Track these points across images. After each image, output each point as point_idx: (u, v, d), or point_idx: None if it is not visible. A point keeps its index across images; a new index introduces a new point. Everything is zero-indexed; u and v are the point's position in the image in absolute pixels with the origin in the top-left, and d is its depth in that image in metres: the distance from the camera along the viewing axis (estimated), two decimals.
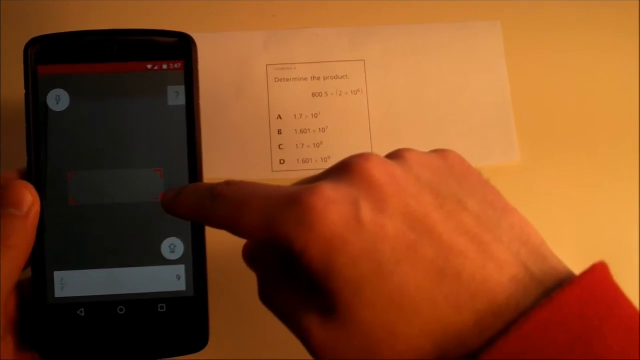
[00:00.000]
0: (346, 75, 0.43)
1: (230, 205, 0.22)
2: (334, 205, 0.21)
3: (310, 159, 0.42)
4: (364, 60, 0.43)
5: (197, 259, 0.30)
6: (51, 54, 0.30)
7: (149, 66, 0.30)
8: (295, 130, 0.42)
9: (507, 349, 0.19)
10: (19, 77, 0.42)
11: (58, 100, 0.30)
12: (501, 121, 0.42)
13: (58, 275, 0.29)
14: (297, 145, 0.42)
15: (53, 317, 0.29)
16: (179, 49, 0.30)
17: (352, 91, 0.43)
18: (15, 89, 0.41)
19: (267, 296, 0.24)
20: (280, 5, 0.44)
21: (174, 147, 0.30)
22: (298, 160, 0.42)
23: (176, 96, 0.30)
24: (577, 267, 0.22)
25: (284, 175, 0.41)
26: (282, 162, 0.42)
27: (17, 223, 0.27)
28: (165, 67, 0.30)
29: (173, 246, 0.30)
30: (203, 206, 0.24)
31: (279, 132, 0.42)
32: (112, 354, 0.29)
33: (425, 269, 0.20)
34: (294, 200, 0.21)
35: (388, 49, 0.43)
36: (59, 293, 0.29)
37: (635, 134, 0.42)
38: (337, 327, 0.21)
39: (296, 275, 0.23)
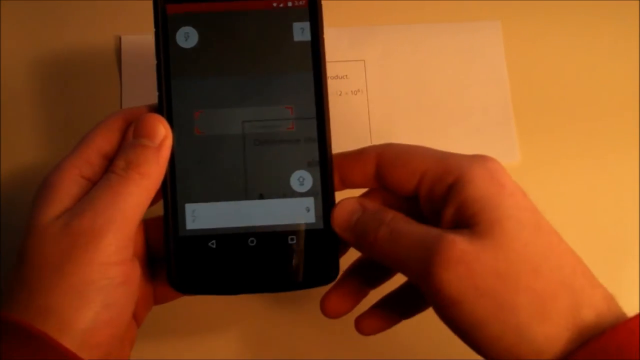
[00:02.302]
0: (346, 75, 0.43)
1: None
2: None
3: None
4: (364, 60, 0.43)
5: (325, 192, 0.30)
6: None
7: (274, 4, 0.31)
8: None
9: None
10: (19, 77, 0.42)
11: (186, 37, 0.30)
12: (501, 121, 0.42)
13: (189, 207, 0.30)
14: None
15: (184, 249, 0.29)
16: None
17: (352, 91, 0.43)
18: (15, 88, 0.42)
19: (398, 234, 0.27)
20: None
21: (301, 83, 0.30)
22: None
23: (301, 32, 0.30)
24: None
25: None
26: None
27: (149, 153, 0.28)
28: (290, 4, 0.31)
29: (302, 179, 0.30)
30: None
31: None
32: (242, 286, 0.30)
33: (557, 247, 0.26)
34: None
35: (388, 49, 0.43)
36: (190, 225, 0.30)
37: (635, 134, 0.42)
38: (486, 244, 0.25)
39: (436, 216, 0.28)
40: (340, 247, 0.30)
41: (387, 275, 0.32)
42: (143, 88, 0.42)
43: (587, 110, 0.43)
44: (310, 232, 0.30)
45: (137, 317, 0.30)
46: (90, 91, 0.42)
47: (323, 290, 0.31)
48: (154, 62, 0.30)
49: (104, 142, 0.29)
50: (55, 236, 0.26)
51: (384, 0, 0.44)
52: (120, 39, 0.42)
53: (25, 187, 0.40)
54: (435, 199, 0.28)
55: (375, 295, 0.32)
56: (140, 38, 0.43)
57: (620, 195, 0.41)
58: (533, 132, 0.42)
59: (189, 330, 0.38)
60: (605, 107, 0.43)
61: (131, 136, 0.28)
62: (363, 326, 0.32)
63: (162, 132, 0.29)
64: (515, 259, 0.25)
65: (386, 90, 0.43)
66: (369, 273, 0.32)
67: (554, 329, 0.24)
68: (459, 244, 0.25)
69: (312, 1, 0.31)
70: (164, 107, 0.30)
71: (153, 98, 0.42)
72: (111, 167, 0.28)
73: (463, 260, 0.25)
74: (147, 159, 0.28)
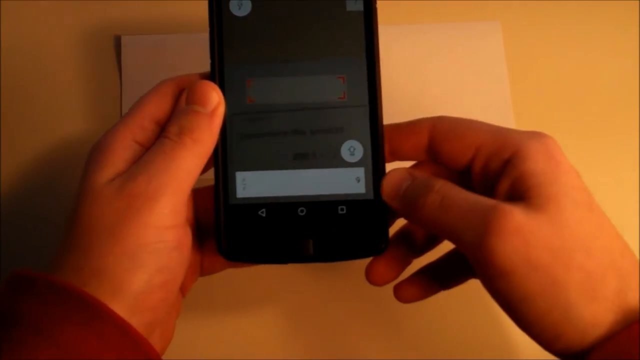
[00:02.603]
0: None
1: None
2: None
3: None
4: None
5: (376, 162, 0.30)
6: None
7: None
8: None
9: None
10: (18, 77, 0.42)
11: (240, 5, 0.30)
12: (501, 121, 0.42)
13: (240, 175, 0.30)
14: None
15: (234, 217, 0.29)
16: None
17: None
18: (14, 87, 0.42)
19: (449, 201, 0.27)
20: None
21: (354, 52, 0.30)
22: None
23: (354, 2, 0.30)
24: None
25: None
26: None
27: (202, 120, 0.28)
28: None
29: (352, 148, 0.30)
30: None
31: None
32: (291, 255, 0.30)
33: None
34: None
35: (388, 49, 0.43)
36: (240, 193, 0.30)
37: (635, 134, 0.42)
38: (541, 218, 0.25)
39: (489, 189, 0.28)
40: (390, 217, 0.30)
41: (431, 243, 0.32)
42: (143, 88, 0.42)
43: (587, 110, 0.43)
44: (360, 203, 0.30)
45: (183, 287, 0.31)
46: (90, 91, 0.42)
47: (366, 261, 0.31)
48: (207, 29, 0.30)
49: (156, 108, 0.29)
50: (110, 199, 0.26)
51: (384, 0, 0.44)
52: (120, 39, 0.42)
53: (25, 188, 0.40)
54: (490, 173, 0.28)
55: (416, 263, 0.32)
56: (140, 38, 0.43)
57: (620, 195, 0.41)
58: None
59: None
60: (605, 106, 0.43)
61: (184, 103, 0.29)
62: (402, 293, 0.32)
63: (215, 99, 0.29)
64: (568, 236, 0.25)
65: (386, 90, 0.43)
66: (413, 241, 0.32)
67: (600, 310, 0.24)
68: (515, 215, 0.25)
69: None
70: (217, 75, 0.30)
71: None
72: (164, 132, 0.28)
73: (519, 231, 0.24)
74: (200, 125, 0.28)
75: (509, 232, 0.24)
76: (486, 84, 0.43)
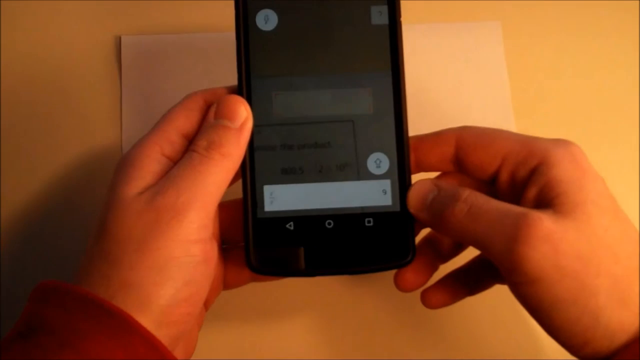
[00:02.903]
0: None
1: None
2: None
3: None
4: None
5: (402, 174, 0.30)
6: None
7: None
8: None
9: None
10: (18, 77, 0.42)
11: (266, 20, 0.31)
12: (501, 121, 0.42)
13: (268, 189, 0.30)
14: None
15: (262, 231, 0.30)
16: None
17: None
18: (14, 87, 0.42)
19: (477, 210, 0.27)
20: None
21: (379, 65, 0.31)
22: None
23: (379, 15, 0.31)
24: None
25: None
26: None
27: (231, 134, 0.28)
28: None
29: (379, 161, 0.30)
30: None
31: None
32: (319, 268, 0.30)
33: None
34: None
35: None
36: (268, 207, 0.30)
37: (635, 134, 0.42)
38: (569, 225, 0.25)
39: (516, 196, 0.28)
40: (416, 227, 0.30)
41: (457, 249, 0.33)
42: (143, 88, 0.42)
43: (587, 110, 0.43)
44: (386, 215, 0.30)
45: (206, 301, 0.31)
46: (89, 91, 0.42)
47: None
48: (234, 43, 0.30)
49: (184, 121, 0.29)
50: (139, 212, 0.26)
51: None
52: (120, 39, 0.42)
53: (25, 191, 0.40)
54: (517, 181, 0.28)
55: (443, 268, 0.33)
56: (140, 38, 0.43)
57: (620, 194, 0.41)
58: (533, 132, 0.42)
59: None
60: (605, 106, 0.43)
61: (212, 117, 0.29)
62: (429, 299, 0.32)
63: (244, 113, 0.29)
64: (596, 243, 0.25)
65: None
66: (439, 248, 0.32)
67: (628, 315, 0.25)
68: (545, 222, 0.25)
69: None
70: (244, 89, 0.30)
71: (153, 98, 0.42)
72: (193, 146, 0.28)
73: (549, 238, 0.25)
74: (228, 140, 0.28)
75: (539, 240, 0.25)
76: (486, 84, 0.43)
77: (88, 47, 0.42)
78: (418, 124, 0.42)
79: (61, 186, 0.40)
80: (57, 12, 0.43)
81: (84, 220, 0.38)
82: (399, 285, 0.31)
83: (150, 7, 0.43)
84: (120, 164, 0.28)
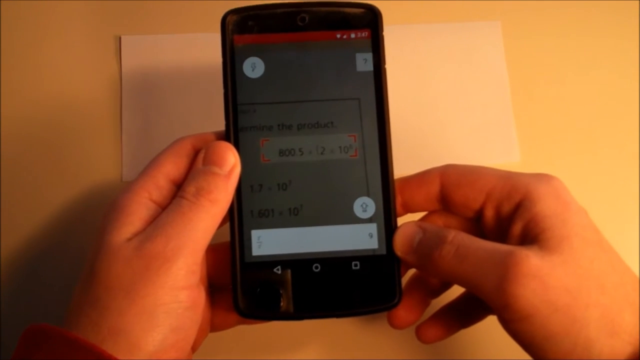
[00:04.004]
0: None
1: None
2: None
3: None
4: None
5: (387, 218, 0.30)
6: (246, 25, 0.31)
7: (338, 35, 0.31)
8: None
9: None
10: (18, 77, 0.42)
11: (253, 67, 0.31)
12: (501, 121, 0.42)
13: (255, 233, 0.30)
14: None
15: (250, 275, 0.30)
16: (366, 19, 0.32)
17: None
18: (14, 87, 0.42)
19: (464, 251, 0.27)
20: None
21: (364, 111, 0.31)
22: None
23: (364, 62, 0.31)
24: None
25: None
26: None
27: (219, 181, 0.28)
28: (353, 35, 0.31)
29: (365, 205, 0.31)
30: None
31: None
32: (307, 311, 0.30)
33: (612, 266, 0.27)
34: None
35: (388, 49, 0.43)
36: (256, 251, 0.30)
37: (635, 134, 0.42)
38: (556, 260, 0.26)
39: (502, 234, 0.29)
40: (402, 269, 0.31)
41: (447, 285, 0.33)
42: (143, 88, 0.42)
43: (587, 110, 0.43)
44: (373, 258, 0.30)
45: (193, 344, 0.31)
46: (89, 91, 0.42)
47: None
48: (222, 90, 0.31)
49: (172, 167, 0.29)
50: (128, 258, 0.26)
51: (384, 0, 0.44)
52: (120, 39, 0.42)
53: (24, 193, 0.40)
54: (501, 217, 0.29)
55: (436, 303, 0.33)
56: (140, 38, 0.43)
57: (620, 194, 0.41)
58: (533, 132, 0.42)
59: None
60: (605, 106, 0.43)
61: (201, 163, 0.29)
62: (424, 334, 0.32)
63: (232, 160, 0.29)
64: (583, 275, 0.26)
65: None
66: (429, 284, 0.33)
67: (619, 343, 0.25)
68: (532, 259, 0.25)
69: (375, 33, 0.31)
70: (232, 135, 0.30)
71: (153, 98, 0.42)
72: (181, 192, 0.28)
73: (536, 275, 0.25)
74: (217, 186, 0.28)
75: (527, 277, 0.25)
76: (486, 84, 0.43)
77: (88, 47, 0.42)
78: (418, 124, 0.42)
79: (58, 189, 0.40)
80: (57, 12, 0.43)
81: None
82: (392, 323, 0.32)
83: (150, 7, 0.43)
84: (108, 209, 0.28)
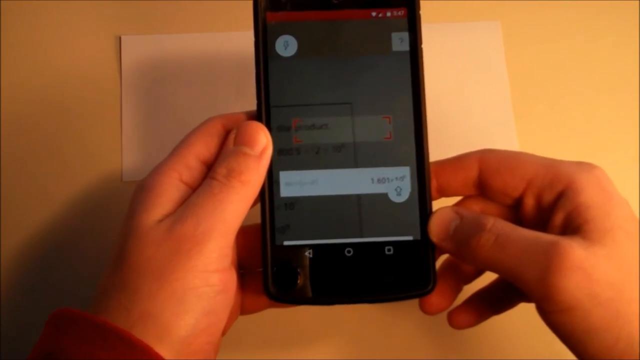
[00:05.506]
0: None
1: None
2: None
3: None
4: None
5: (422, 202, 0.30)
6: (279, 2, 0.30)
7: (373, 14, 0.30)
8: None
9: None
10: (18, 77, 0.42)
11: (286, 45, 0.30)
12: (501, 121, 0.42)
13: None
14: None
15: (281, 258, 0.29)
16: None
17: None
18: (14, 87, 0.42)
19: (505, 239, 0.27)
20: None
21: (400, 93, 0.30)
22: None
23: (400, 42, 0.30)
24: None
25: None
26: None
27: (251, 162, 0.28)
28: (388, 14, 0.30)
29: (399, 188, 0.30)
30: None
31: None
32: (339, 296, 0.29)
33: None
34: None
35: None
36: (287, 234, 0.29)
37: (635, 134, 0.42)
38: (600, 252, 0.25)
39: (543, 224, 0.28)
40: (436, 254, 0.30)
41: (481, 271, 0.33)
42: (143, 88, 0.42)
43: (587, 110, 0.43)
44: (407, 243, 0.29)
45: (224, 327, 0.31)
46: (90, 91, 0.42)
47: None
48: (253, 69, 0.30)
49: (202, 147, 0.29)
50: (158, 241, 0.26)
51: None
52: (120, 39, 0.42)
53: (25, 193, 0.40)
54: (542, 206, 0.28)
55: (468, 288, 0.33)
56: (140, 38, 0.42)
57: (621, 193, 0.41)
58: (533, 132, 0.42)
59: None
60: (605, 106, 0.43)
61: (232, 143, 0.28)
62: (456, 320, 0.32)
63: (263, 140, 0.28)
64: (627, 269, 0.25)
65: None
66: (463, 270, 0.32)
67: None
68: (577, 250, 0.25)
69: (411, 12, 0.31)
70: (263, 115, 0.30)
71: (152, 98, 0.42)
72: (212, 173, 0.28)
73: (580, 267, 0.25)
74: (248, 167, 0.28)
75: (571, 268, 0.25)
76: (486, 84, 0.43)
77: (88, 47, 0.42)
78: None
79: (56, 185, 0.40)
80: (57, 12, 0.43)
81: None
82: (424, 309, 0.31)
83: (150, 7, 0.43)
84: (138, 190, 0.28)
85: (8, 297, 0.38)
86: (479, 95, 0.43)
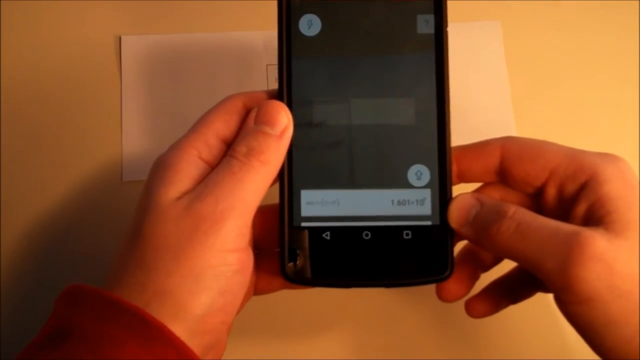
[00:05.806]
0: None
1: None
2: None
3: None
4: None
5: (443, 187, 0.29)
6: None
7: None
8: None
9: None
10: (18, 77, 0.42)
11: (310, 25, 0.30)
12: (501, 121, 0.42)
13: (305, 196, 0.29)
14: None
15: (298, 239, 0.29)
16: None
17: None
18: (14, 87, 0.42)
19: (526, 228, 0.26)
20: None
21: (423, 76, 0.30)
22: None
23: (425, 24, 0.30)
24: None
25: None
26: None
27: (271, 141, 0.27)
28: None
29: (419, 173, 0.29)
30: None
31: None
32: (355, 279, 0.29)
33: None
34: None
35: None
36: (305, 215, 0.29)
37: (635, 135, 0.42)
38: (622, 244, 0.25)
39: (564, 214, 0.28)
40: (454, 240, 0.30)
41: (499, 259, 0.32)
42: (143, 88, 0.42)
43: (588, 110, 0.43)
44: (426, 228, 0.29)
45: None
46: (90, 91, 0.42)
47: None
48: (276, 47, 0.29)
49: (222, 125, 0.28)
50: (177, 218, 0.25)
51: None
52: (120, 39, 0.42)
53: (26, 192, 0.40)
54: (564, 195, 0.28)
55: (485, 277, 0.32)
56: (140, 38, 0.43)
57: None
58: (533, 132, 0.42)
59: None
60: (605, 107, 0.43)
61: (252, 122, 0.28)
62: (472, 309, 0.32)
63: (284, 120, 0.28)
64: None
65: None
66: (481, 257, 0.32)
67: None
68: (599, 241, 0.25)
69: None
70: (285, 94, 0.29)
71: (152, 98, 0.42)
72: (231, 152, 0.27)
73: (602, 258, 0.24)
74: (268, 147, 0.27)
75: (593, 259, 0.24)
76: (486, 84, 0.43)
77: (88, 47, 0.42)
78: None
79: (56, 186, 0.40)
80: (57, 12, 0.43)
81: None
82: (441, 296, 0.31)
83: (150, 7, 0.43)
84: (156, 165, 0.27)
85: (7, 295, 0.38)
86: (479, 95, 0.43)
